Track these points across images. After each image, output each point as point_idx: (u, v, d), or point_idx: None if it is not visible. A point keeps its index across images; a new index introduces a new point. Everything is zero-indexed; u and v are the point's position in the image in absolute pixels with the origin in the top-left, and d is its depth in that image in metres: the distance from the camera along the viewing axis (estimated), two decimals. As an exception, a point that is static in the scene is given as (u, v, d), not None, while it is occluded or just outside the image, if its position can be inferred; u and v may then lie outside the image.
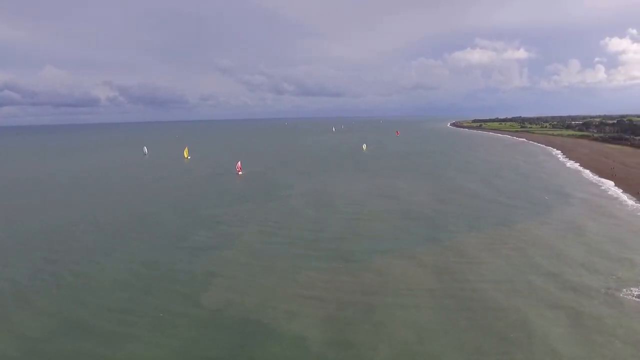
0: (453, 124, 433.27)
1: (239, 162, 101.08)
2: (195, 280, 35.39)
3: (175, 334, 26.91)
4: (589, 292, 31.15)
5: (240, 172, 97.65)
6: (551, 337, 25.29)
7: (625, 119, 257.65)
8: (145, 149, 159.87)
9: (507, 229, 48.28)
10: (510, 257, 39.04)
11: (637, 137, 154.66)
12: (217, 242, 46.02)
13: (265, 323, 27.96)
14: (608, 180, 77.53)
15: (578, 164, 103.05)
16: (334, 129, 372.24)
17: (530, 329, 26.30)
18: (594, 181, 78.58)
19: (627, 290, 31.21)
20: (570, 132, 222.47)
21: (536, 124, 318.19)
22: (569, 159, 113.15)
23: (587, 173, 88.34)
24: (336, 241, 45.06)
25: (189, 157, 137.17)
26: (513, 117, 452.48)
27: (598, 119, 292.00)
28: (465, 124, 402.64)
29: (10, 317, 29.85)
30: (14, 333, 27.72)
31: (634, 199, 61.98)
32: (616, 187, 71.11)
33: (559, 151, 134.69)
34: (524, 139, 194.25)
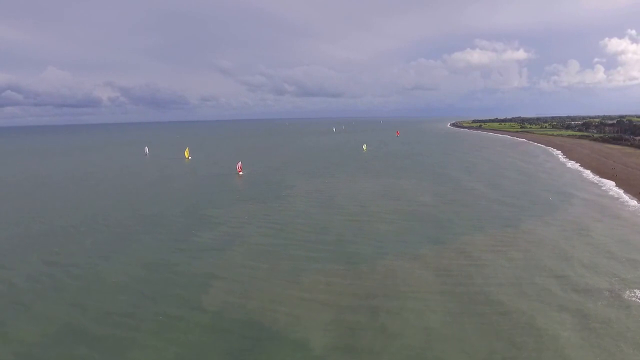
0: (453, 124, 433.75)
1: (240, 163, 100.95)
2: (195, 283, 34.91)
3: (175, 339, 26.47)
4: (596, 294, 30.81)
5: (240, 173, 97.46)
6: (560, 341, 24.93)
7: (624, 119, 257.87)
8: (147, 150, 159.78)
9: (512, 229, 47.97)
10: (516, 258, 38.67)
11: (637, 138, 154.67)
12: (218, 243, 45.59)
13: (267, 327, 27.54)
14: (609, 181, 77.34)
15: (578, 164, 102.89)
16: (334, 129, 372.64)
17: (538, 332, 25.92)
18: (595, 181, 78.34)
19: (631, 292, 30.95)
20: (570, 132, 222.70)
21: (536, 125, 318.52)
22: (570, 159, 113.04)
23: (588, 173, 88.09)
24: (339, 243, 44.63)
25: (189, 158, 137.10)
26: (513, 118, 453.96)
27: (597, 119, 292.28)
28: (465, 124, 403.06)
29: (7, 322, 29.30)
30: (10, 338, 27.20)
31: (636, 199, 61.84)
32: (617, 188, 70.87)
33: (559, 151, 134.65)
34: (524, 139, 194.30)
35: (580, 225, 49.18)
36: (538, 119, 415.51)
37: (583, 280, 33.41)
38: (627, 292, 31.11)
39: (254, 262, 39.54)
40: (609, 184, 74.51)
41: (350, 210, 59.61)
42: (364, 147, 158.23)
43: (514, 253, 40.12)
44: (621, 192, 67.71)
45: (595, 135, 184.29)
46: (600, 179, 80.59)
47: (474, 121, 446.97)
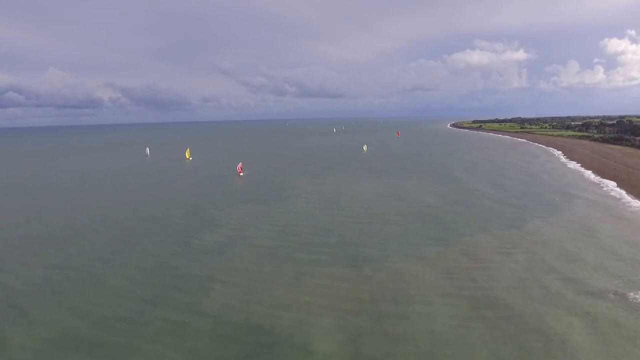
0: (453, 125, 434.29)
1: (240, 163, 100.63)
2: (196, 287, 34.42)
3: (176, 344, 26.01)
4: (603, 297, 30.42)
5: (241, 173, 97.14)
6: (568, 345, 24.52)
7: (624, 120, 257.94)
8: (147, 150, 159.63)
9: (516, 230, 47.64)
10: (522, 260, 38.29)
11: (638, 138, 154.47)
12: (219, 246, 45.08)
13: (269, 332, 27.08)
14: (610, 181, 77.12)
15: (579, 164, 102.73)
16: (334, 130, 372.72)
17: (546, 336, 25.49)
18: (597, 182, 78.10)
19: (638, 294, 30.49)
20: (570, 132, 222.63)
21: (536, 125, 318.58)
22: (570, 160, 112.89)
23: (589, 174, 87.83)
24: (342, 244, 44.20)
25: (190, 158, 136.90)
26: (513, 118, 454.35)
27: (597, 120, 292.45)
28: (465, 125, 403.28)
29: (4, 326, 28.73)
30: (7, 343, 26.68)
31: (638, 200, 61.55)
32: (619, 188, 70.64)
33: (560, 152, 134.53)
34: (525, 140, 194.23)
35: (584, 226, 48.86)
36: (538, 119, 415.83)
37: (590, 282, 33.01)
38: (634, 294, 30.74)
39: (255, 265, 39.07)
40: (611, 185, 74.28)
41: (352, 211, 59.22)
42: (365, 147, 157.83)
43: (520, 254, 39.73)
44: (623, 192, 67.45)
45: (596, 136, 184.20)
46: (601, 179, 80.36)
47: (474, 122, 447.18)
